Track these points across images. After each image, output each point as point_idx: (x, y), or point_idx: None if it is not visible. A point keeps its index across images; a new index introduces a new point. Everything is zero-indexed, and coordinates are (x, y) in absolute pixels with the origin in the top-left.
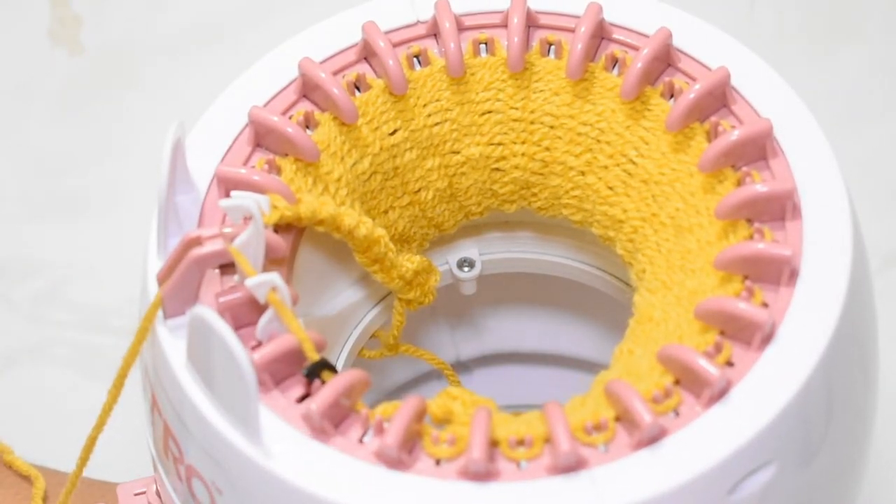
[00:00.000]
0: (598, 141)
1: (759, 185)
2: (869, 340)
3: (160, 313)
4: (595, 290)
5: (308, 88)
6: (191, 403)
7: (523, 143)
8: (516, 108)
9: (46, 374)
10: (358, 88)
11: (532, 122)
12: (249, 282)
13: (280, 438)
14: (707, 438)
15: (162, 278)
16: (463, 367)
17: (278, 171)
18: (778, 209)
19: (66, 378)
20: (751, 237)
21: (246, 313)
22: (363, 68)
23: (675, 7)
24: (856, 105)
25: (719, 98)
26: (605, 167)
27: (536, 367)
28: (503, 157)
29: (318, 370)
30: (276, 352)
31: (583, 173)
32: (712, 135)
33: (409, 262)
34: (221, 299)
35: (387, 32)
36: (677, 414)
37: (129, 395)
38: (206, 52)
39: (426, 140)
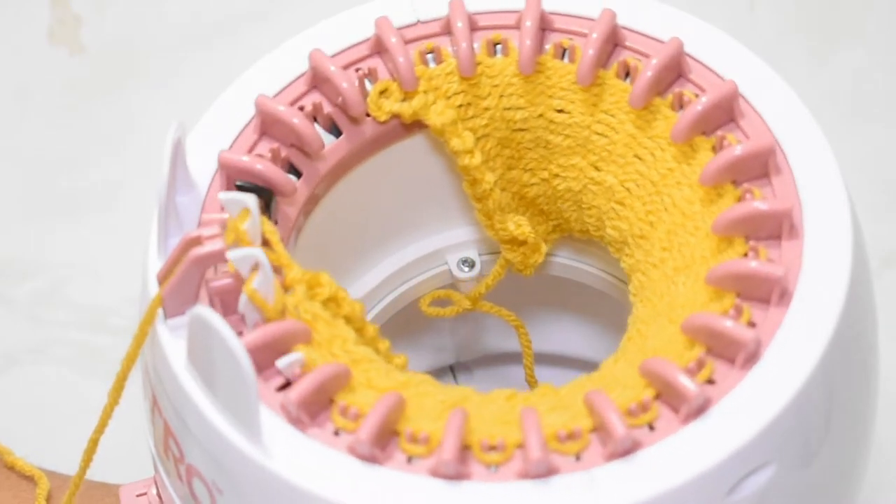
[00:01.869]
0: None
1: (758, 203)
2: (869, 342)
3: (160, 313)
4: (596, 291)
5: (545, 24)
6: (191, 403)
7: (643, 204)
8: (658, 172)
9: (46, 374)
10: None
11: (658, 194)
12: (232, 255)
13: (280, 436)
14: (707, 439)
15: (162, 278)
16: (463, 367)
17: (440, 58)
18: (776, 226)
19: (66, 378)
20: (746, 254)
21: (236, 300)
22: (581, 42)
23: (687, 13)
24: (855, 105)
25: (727, 112)
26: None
27: (536, 367)
28: (622, 203)
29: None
30: (310, 388)
31: (666, 248)
32: (717, 147)
33: (516, 226)
34: (212, 284)
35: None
36: (652, 428)
37: (130, 395)
38: (207, 52)
39: (584, 140)
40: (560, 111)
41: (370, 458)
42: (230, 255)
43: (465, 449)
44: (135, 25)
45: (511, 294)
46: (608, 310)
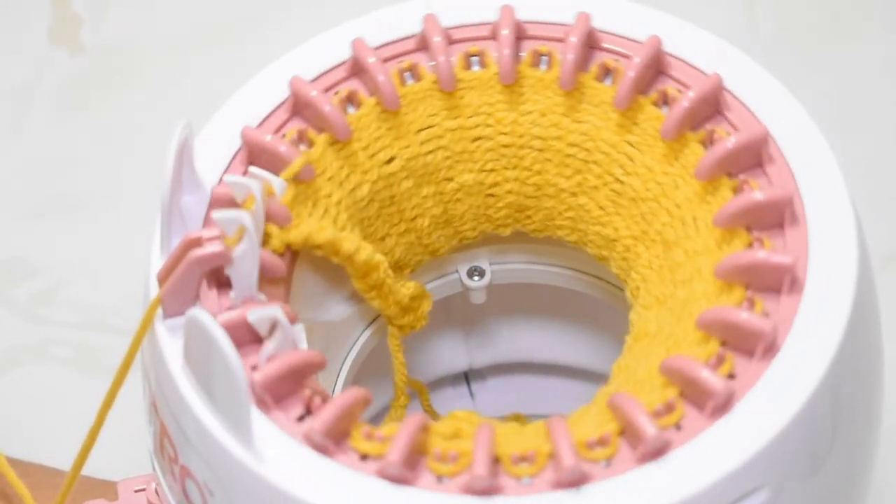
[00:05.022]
0: (587, 161)
1: (757, 193)
2: (874, 348)
3: (160, 312)
4: (608, 304)
5: (300, 107)
6: (185, 404)
7: (514, 168)
8: (505, 133)
9: (46, 374)
10: (351, 103)
11: (521, 147)
12: (251, 315)
13: (274, 445)
14: (712, 452)
15: (162, 278)
16: (477, 374)
17: (418, 75)
18: (777, 216)
19: (66, 378)
20: (750, 245)
21: (245, 333)
22: (355, 85)
23: (670, 10)
24: (855, 105)
25: (713, 104)
26: (595, 187)
27: (550, 377)
28: (496, 184)
29: None
30: (277, 371)
31: (574, 194)
32: (707, 142)
33: (406, 288)
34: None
35: (378, 47)
36: (679, 428)
37: (132, 393)
38: (207, 52)
39: (421, 168)
40: (389, 161)
41: (401, 480)
42: (214, 214)
43: (494, 463)
44: (135, 25)
45: (525, 304)
46: (621, 323)
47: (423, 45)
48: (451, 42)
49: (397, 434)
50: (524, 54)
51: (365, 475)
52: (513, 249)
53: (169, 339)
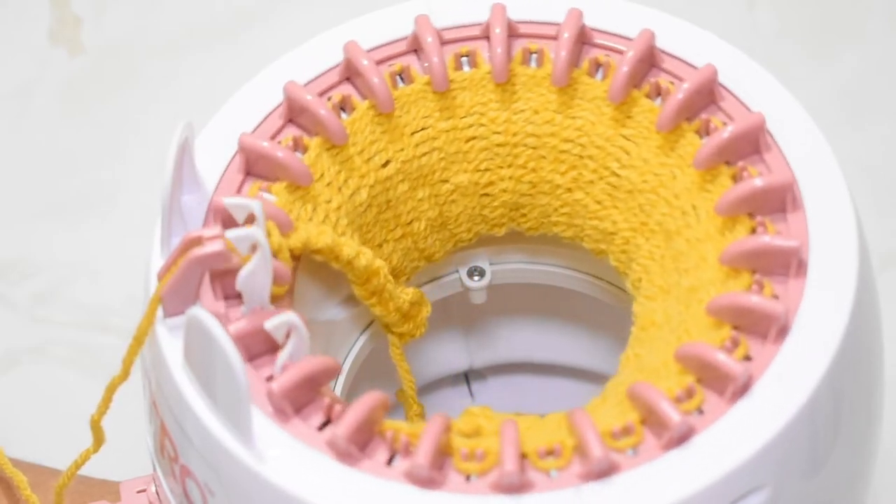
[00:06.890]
0: (581, 157)
1: (757, 180)
2: (876, 339)
3: (160, 312)
4: (607, 304)
5: (294, 112)
6: (185, 404)
7: (509, 166)
8: (499, 133)
9: (47, 374)
10: (343, 110)
11: (516, 146)
12: (269, 323)
13: (296, 454)
14: (736, 434)
15: (162, 277)
16: (477, 374)
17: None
18: (778, 201)
19: (66, 378)
20: (754, 231)
21: (258, 343)
22: (347, 89)
23: (671, 9)
24: (855, 105)
25: (708, 95)
26: (591, 182)
27: (550, 377)
28: (491, 183)
29: None
30: (294, 378)
31: (570, 190)
32: (703, 132)
33: (405, 293)
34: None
35: (370, 50)
36: (701, 412)
37: (132, 393)
38: (206, 52)
39: (416, 171)
40: (384, 165)
41: (429, 482)
42: (228, 233)
43: (521, 459)
44: (135, 25)
45: (524, 305)
46: (620, 323)
47: (414, 46)
48: (443, 43)
49: (422, 435)
50: (515, 52)
51: (392, 480)
52: (513, 249)
53: (169, 339)
